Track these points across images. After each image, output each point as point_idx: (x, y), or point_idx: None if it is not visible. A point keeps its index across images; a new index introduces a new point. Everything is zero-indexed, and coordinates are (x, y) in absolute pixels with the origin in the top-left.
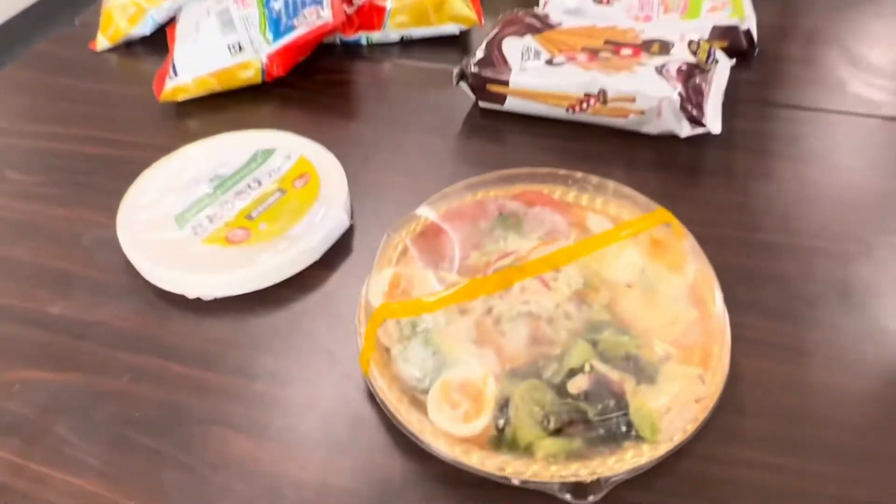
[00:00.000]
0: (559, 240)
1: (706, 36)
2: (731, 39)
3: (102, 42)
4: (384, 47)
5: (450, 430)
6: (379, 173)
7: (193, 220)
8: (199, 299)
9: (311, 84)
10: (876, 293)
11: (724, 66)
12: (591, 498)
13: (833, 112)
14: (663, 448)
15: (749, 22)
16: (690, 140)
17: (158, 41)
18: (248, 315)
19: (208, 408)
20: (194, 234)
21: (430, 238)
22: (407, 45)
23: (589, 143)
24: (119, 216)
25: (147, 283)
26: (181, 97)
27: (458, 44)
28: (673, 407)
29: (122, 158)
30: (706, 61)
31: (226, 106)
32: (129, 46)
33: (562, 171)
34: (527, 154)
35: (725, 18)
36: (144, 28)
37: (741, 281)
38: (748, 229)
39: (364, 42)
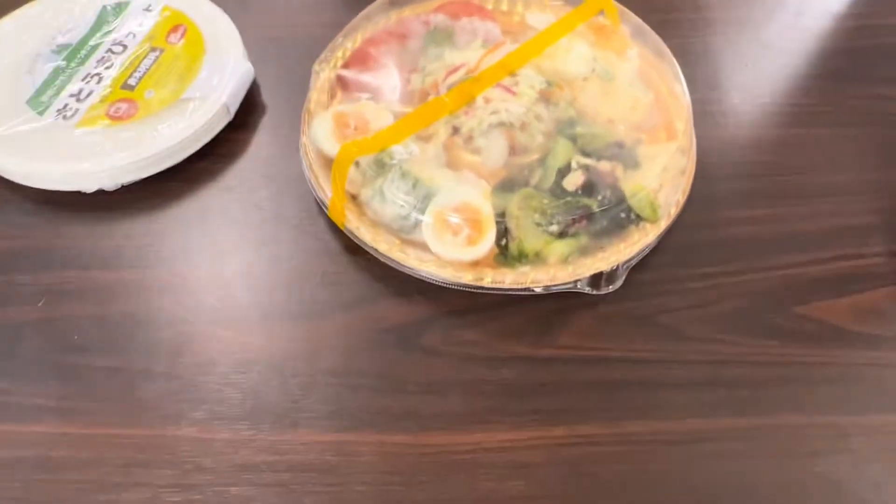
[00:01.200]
0: (503, 44)
1: None
2: None
3: None
4: None
5: (457, 258)
6: (261, 13)
7: (56, 102)
8: (101, 192)
9: None
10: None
11: None
12: (610, 287)
13: None
14: (663, 224)
15: None
16: None
17: None
18: (168, 200)
19: (161, 309)
20: (63, 119)
21: (359, 68)
22: None
23: None
24: None
25: (18, 186)
26: None
27: None
28: (664, 183)
29: None
30: None
31: None
32: None
33: None
34: None
35: None
36: None
37: (684, 61)
38: (668, 9)
39: None
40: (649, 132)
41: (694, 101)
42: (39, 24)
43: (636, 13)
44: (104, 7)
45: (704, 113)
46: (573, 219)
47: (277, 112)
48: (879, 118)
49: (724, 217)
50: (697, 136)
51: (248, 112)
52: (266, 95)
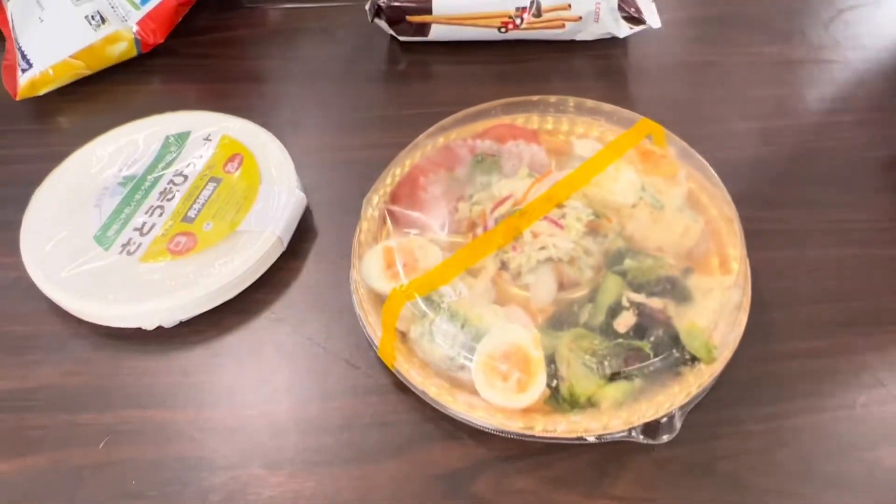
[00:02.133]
0: (550, 172)
1: None
2: None
3: None
4: None
5: (507, 405)
6: (313, 136)
7: (119, 237)
8: (160, 328)
9: (197, 48)
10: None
11: None
12: (665, 437)
13: None
14: (720, 365)
15: None
16: (627, 40)
17: None
18: (223, 333)
19: (215, 452)
20: (128, 255)
21: (408, 199)
22: None
23: (525, 62)
24: (24, 253)
25: (85, 323)
26: (43, 90)
27: None
28: (720, 321)
29: None
30: None
31: (102, 91)
32: None
33: (535, 98)
34: (462, 84)
35: None
36: None
37: (727, 174)
38: (716, 119)
39: None
40: (701, 260)
41: (746, 220)
42: (107, 156)
43: (682, 132)
44: (167, 138)
45: (758, 232)
46: (625, 360)
47: (328, 238)
48: None
49: (784, 349)
50: (751, 259)
51: (299, 238)
52: (318, 220)
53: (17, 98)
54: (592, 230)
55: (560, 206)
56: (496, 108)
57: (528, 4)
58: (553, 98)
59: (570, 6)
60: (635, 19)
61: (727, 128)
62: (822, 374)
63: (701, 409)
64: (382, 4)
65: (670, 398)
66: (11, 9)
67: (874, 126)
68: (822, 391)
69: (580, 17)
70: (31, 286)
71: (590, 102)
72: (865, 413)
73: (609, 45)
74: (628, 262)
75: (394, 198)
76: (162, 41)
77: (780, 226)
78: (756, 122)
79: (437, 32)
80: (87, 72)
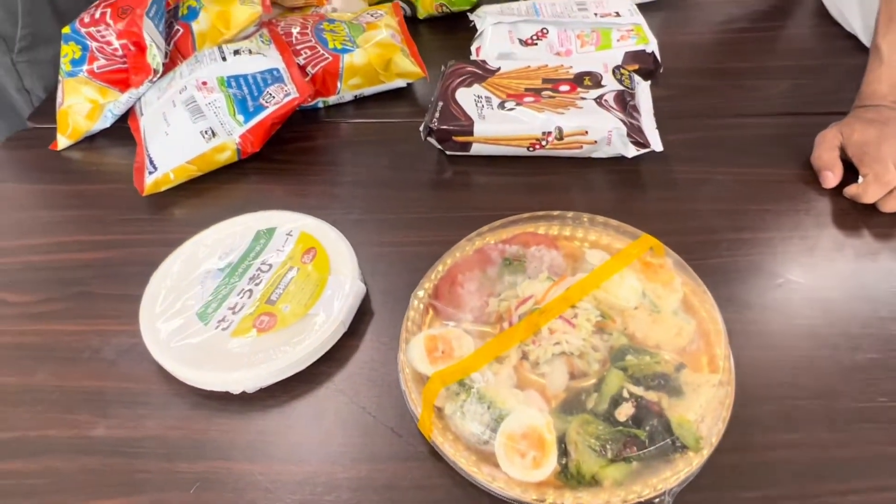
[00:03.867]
0: (565, 277)
1: (620, 62)
2: (641, 62)
3: (63, 141)
4: (340, 107)
5: (524, 479)
6: (373, 232)
7: (217, 314)
8: (244, 392)
9: (284, 154)
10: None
11: (643, 88)
12: None
13: (737, 116)
14: (706, 453)
15: (653, 45)
16: (635, 159)
17: (118, 132)
18: (293, 399)
19: (282, 500)
20: (222, 330)
21: (448, 293)
22: (360, 102)
23: (549, 175)
24: (142, 323)
25: (185, 385)
26: (164, 188)
27: (406, 96)
28: (706, 414)
29: (119, 259)
30: (631, 86)
31: (208, 188)
32: (90, 141)
33: (555, 213)
34: (497, 192)
35: (633, 45)
36: (104, 123)
37: (715, 280)
38: (706, 231)
39: (321, 105)
40: (692, 357)
41: (732, 321)
42: (211, 246)
43: (679, 240)
44: (257, 232)
45: (741, 332)
46: (624, 445)
47: (382, 320)
48: None
49: (763, 441)
50: (735, 355)
51: (358, 319)
52: (374, 303)
53: (144, 194)
54: (600, 329)
55: (573, 306)
56: (523, 218)
57: (552, 130)
58: (570, 213)
59: (587, 132)
60: (641, 143)
61: (718, 238)
62: (794, 465)
63: (690, 491)
64: (433, 127)
65: (663, 480)
66: (144, 123)
67: None
68: (795, 481)
69: (595, 141)
70: (145, 352)
71: (600, 218)
72: (835, 502)
73: (619, 163)
74: (629, 358)
75: (436, 291)
76: (257, 150)
77: (764, 327)
78: (745, 233)
79: (476, 149)
80: (198, 173)
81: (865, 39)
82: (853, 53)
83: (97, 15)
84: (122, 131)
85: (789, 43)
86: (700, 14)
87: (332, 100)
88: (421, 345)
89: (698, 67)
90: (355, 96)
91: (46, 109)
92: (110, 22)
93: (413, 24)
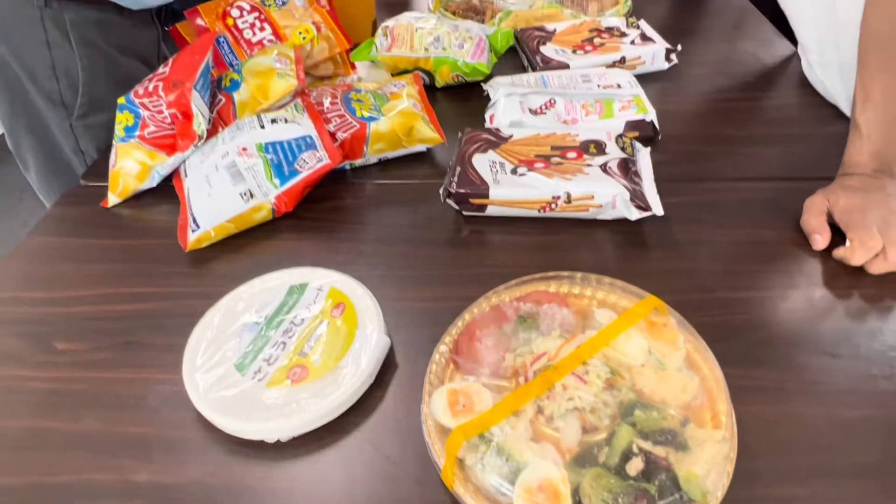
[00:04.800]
0: (576, 334)
1: (622, 130)
2: (641, 130)
3: (113, 199)
4: (365, 168)
5: None
6: (397, 288)
7: (253, 365)
8: (278, 441)
9: (314, 213)
10: (810, 324)
11: (644, 154)
12: None
13: (731, 180)
14: None
15: (651, 114)
16: (638, 221)
17: (163, 190)
18: (323, 448)
19: None
20: (258, 381)
21: (467, 348)
22: (384, 164)
23: (558, 235)
24: (184, 373)
25: (223, 433)
26: (205, 244)
27: (426, 159)
28: (711, 469)
29: (163, 310)
30: (632, 153)
31: (244, 244)
32: (137, 199)
33: (565, 273)
34: (511, 250)
35: (634, 114)
36: (151, 182)
37: (715, 337)
38: (705, 290)
39: (348, 167)
40: (697, 412)
41: (731, 377)
42: (248, 300)
43: (681, 299)
44: (290, 287)
45: (744, 389)
46: (635, 498)
47: (406, 371)
48: None
49: (764, 494)
50: (738, 412)
51: (384, 371)
52: (398, 355)
53: (187, 250)
54: (609, 385)
55: (584, 363)
56: (535, 278)
57: (561, 195)
58: (579, 274)
59: (593, 197)
60: (643, 207)
61: (716, 296)
62: None
63: None
64: (452, 190)
65: None
66: (188, 184)
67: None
68: None
69: (601, 205)
70: (187, 400)
71: (607, 279)
72: None
73: (623, 224)
74: (638, 413)
75: (456, 347)
76: (291, 210)
77: (763, 383)
78: (741, 292)
79: (492, 210)
80: (236, 231)
81: (846, 110)
82: (834, 121)
83: (150, 88)
84: (167, 189)
85: (776, 112)
86: (692, 85)
87: (358, 162)
88: (444, 398)
89: (694, 134)
90: (380, 159)
91: (98, 169)
92: (162, 94)
93: (431, 91)
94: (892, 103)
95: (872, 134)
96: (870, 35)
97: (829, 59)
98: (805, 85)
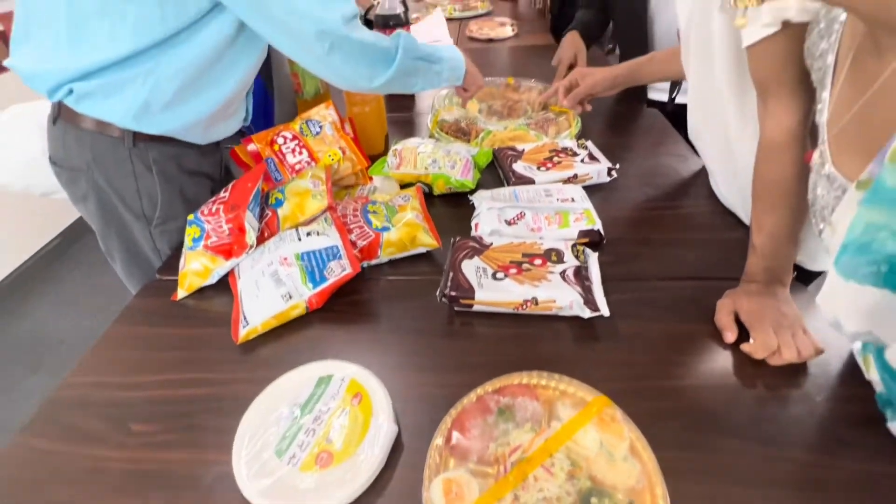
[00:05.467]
0: (544, 428)
1: (576, 237)
2: (590, 237)
3: (181, 293)
4: (379, 266)
5: None
6: (402, 376)
7: (289, 451)
8: None
9: (338, 306)
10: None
11: (593, 260)
12: None
13: (661, 279)
14: None
15: (598, 224)
16: (590, 318)
17: (220, 285)
18: None
19: None
20: (293, 466)
21: (457, 439)
22: (393, 262)
23: (530, 327)
24: (233, 457)
25: None
26: (252, 336)
27: (427, 258)
28: None
29: (219, 395)
30: (584, 258)
31: (283, 334)
32: (200, 292)
33: (534, 372)
34: (493, 341)
35: (585, 225)
36: (212, 280)
37: (651, 423)
38: (642, 379)
39: (365, 265)
40: (640, 494)
41: (667, 460)
42: (286, 391)
43: (625, 387)
44: (319, 378)
45: (680, 471)
46: None
47: (412, 451)
48: None
49: None
50: (671, 490)
51: (393, 451)
52: (405, 437)
53: (238, 343)
54: (570, 476)
55: (551, 455)
56: (512, 375)
57: (530, 299)
58: (545, 373)
59: (555, 300)
60: (594, 308)
61: (652, 385)
62: None
63: None
64: (446, 293)
65: None
66: (241, 287)
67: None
68: None
69: (562, 307)
70: (233, 480)
71: (567, 378)
72: None
73: (579, 320)
74: (594, 500)
75: (448, 437)
76: (320, 306)
77: (693, 465)
78: (671, 380)
79: (477, 307)
80: (277, 324)
81: (744, 219)
82: (735, 228)
83: (213, 209)
84: (223, 285)
85: (691, 219)
86: (627, 194)
87: (374, 262)
88: (440, 486)
89: (630, 238)
90: (390, 259)
91: (171, 265)
92: (222, 215)
93: (430, 198)
94: (778, 232)
95: (766, 254)
96: (760, 180)
97: (729, 182)
98: (712, 195)
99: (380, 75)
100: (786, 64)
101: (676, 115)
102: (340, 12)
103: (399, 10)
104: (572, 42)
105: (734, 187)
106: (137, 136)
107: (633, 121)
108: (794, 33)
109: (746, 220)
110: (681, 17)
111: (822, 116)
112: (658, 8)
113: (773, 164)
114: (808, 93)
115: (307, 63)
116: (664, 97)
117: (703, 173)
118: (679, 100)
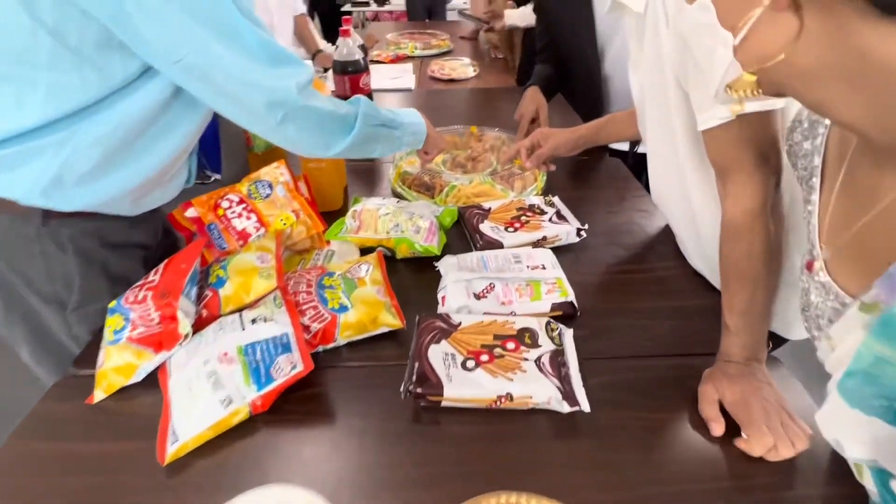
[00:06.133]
0: None
1: (548, 309)
2: (563, 309)
3: (99, 395)
4: (336, 350)
5: None
6: (362, 496)
7: None
8: None
9: (288, 404)
10: None
11: (568, 338)
12: None
13: (638, 357)
14: None
15: (571, 296)
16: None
17: (150, 380)
18: None
19: None
20: None
21: None
22: (352, 345)
23: (504, 425)
24: None
25: None
26: (182, 454)
27: (390, 338)
28: None
29: None
30: (559, 337)
31: (221, 449)
32: (122, 391)
33: (503, 495)
34: (463, 443)
35: (558, 297)
36: (137, 378)
37: None
38: (627, 487)
39: (320, 349)
40: None
41: None
42: None
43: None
44: None
45: None
46: None
47: None
48: None
49: None
50: None
51: None
52: None
53: (163, 465)
54: None
55: None
56: (479, 499)
57: (504, 395)
58: (515, 495)
59: (532, 396)
60: (573, 404)
61: (637, 494)
62: None
63: None
64: (411, 390)
65: None
66: (171, 384)
67: None
68: None
69: (538, 403)
70: None
71: (535, 497)
72: None
73: (558, 414)
74: None
75: None
76: (266, 410)
77: None
78: (659, 486)
79: (446, 404)
80: (213, 436)
81: (712, 281)
82: (704, 293)
83: (140, 296)
84: (151, 380)
85: (661, 284)
86: (596, 255)
87: (329, 346)
88: None
89: (603, 308)
90: (348, 342)
91: (90, 354)
92: (151, 303)
93: (392, 262)
94: (750, 310)
95: (740, 333)
96: (725, 261)
97: (694, 247)
98: (680, 256)
99: (337, 144)
100: (743, 149)
101: (637, 164)
102: (294, 80)
103: (357, 55)
104: (533, 97)
105: (699, 252)
106: (49, 213)
107: (597, 171)
108: (753, 120)
109: (716, 285)
110: (633, 88)
111: (813, 218)
112: (613, 69)
113: (736, 243)
114: (768, 175)
115: (258, 132)
116: (625, 147)
117: (668, 231)
118: (640, 149)
